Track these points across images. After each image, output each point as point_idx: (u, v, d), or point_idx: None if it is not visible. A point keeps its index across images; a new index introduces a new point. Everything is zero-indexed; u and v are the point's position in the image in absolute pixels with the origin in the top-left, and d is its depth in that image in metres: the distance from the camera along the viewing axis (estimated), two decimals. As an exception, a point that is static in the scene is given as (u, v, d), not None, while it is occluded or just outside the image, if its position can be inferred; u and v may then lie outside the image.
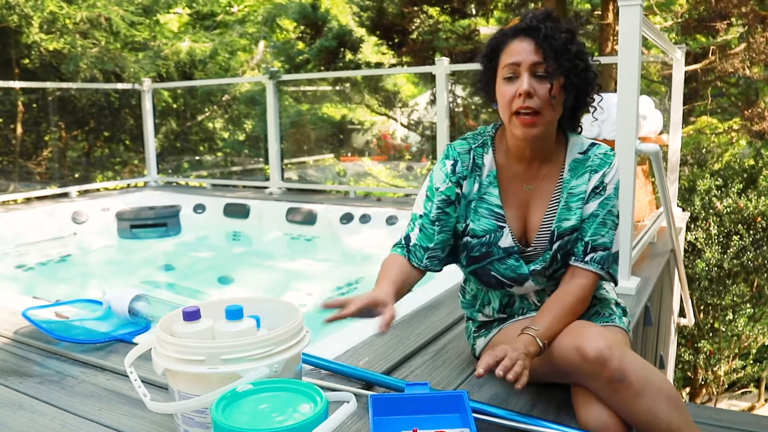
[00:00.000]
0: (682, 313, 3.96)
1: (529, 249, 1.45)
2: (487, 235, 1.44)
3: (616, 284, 1.50)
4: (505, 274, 1.45)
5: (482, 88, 1.46)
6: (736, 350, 4.84)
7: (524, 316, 1.50)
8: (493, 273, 1.46)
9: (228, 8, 8.55)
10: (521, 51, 1.32)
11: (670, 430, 1.21)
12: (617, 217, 1.43)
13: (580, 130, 1.49)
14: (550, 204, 1.43)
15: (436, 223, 1.46)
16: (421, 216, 1.48)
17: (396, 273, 1.42)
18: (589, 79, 1.37)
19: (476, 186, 1.46)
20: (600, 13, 6.69)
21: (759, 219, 4.42)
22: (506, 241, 1.43)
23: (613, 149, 1.45)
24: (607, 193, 1.40)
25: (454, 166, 1.46)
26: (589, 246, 1.40)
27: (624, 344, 1.34)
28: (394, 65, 7.43)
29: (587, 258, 1.40)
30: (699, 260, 4.52)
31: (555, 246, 1.41)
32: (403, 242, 1.50)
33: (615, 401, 1.24)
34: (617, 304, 1.55)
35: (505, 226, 1.43)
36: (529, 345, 1.27)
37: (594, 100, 1.42)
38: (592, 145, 1.44)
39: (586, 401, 1.28)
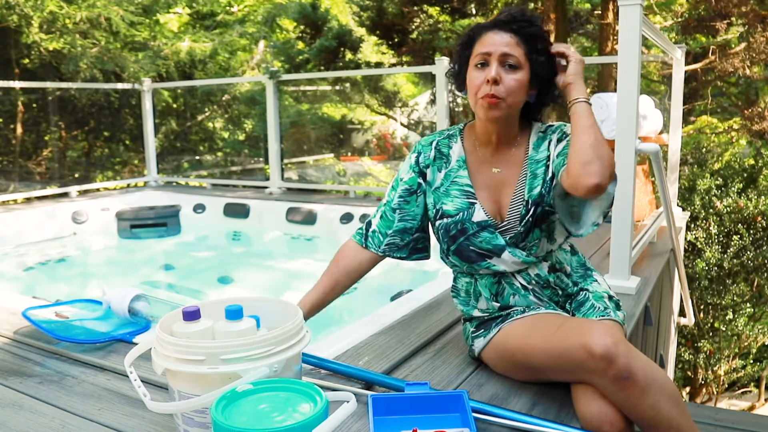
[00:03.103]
0: (682, 313, 3.95)
1: (503, 224, 1.51)
2: (460, 213, 1.53)
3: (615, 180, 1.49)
4: (482, 246, 1.52)
5: (454, 75, 1.56)
6: (736, 350, 4.84)
7: (522, 315, 1.51)
8: (471, 247, 1.53)
9: (228, 8, 8.55)
10: (494, 42, 1.43)
11: (671, 427, 1.22)
12: None
13: (545, 121, 1.61)
14: (519, 180, 1.52)
15: (397, 211, 1.61)
16: (385, 204, 1.64)
17: (335, 275, 1.62)
18: (552, 78, 1.47)
19: (441, 173, 1.57)
20: (600, 12, 6.70)
21: (759, 218, 4.41)
22: (479, 215, 1.51)
23: (566, 125, 1.52)
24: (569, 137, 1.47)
25: (417, 157, 1.60)
26: None
27: (625, 340, 1.35)
28: (394, 65, 7.43)
29: None
30: (699, 260, 4.52)
31: (530, 213, 1.48)
32: (364, 228, 1.67)
33: (620, 398, 1.24)
34: (610, 297, 1.57)
35: (476, 202, 1.52)
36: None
37: (554, 96, 1.52)
38: (550, 126, 1.55)
39: (586, 397, 1.29)
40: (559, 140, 1.49)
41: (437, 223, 1.56)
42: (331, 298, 1.63)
